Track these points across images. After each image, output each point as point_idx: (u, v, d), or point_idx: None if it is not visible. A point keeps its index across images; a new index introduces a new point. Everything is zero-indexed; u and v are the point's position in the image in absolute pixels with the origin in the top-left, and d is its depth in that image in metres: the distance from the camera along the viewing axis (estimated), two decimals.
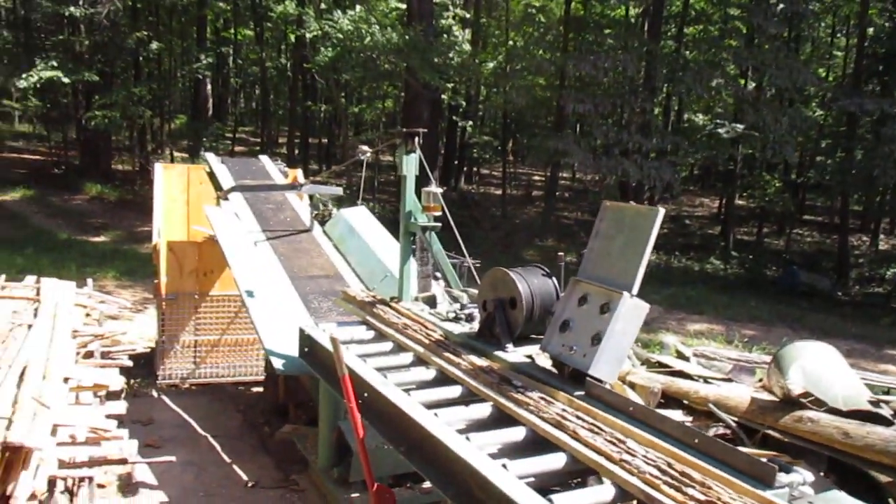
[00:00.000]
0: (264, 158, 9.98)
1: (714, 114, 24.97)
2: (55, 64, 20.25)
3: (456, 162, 28.48)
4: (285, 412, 6.54)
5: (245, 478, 5.85)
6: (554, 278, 4.40)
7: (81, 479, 4.04)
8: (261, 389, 7.97)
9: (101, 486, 5.04)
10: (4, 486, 3.19)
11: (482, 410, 3.74)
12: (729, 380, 5.54)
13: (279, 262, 7.13)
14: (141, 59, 25.65)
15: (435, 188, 5.49)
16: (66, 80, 20.48)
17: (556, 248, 16.65)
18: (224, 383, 8.24)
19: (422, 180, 5.77)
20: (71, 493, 3.93)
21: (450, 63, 19.50)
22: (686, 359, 6.26)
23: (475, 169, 32.59)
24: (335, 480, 5.14)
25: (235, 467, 6.03)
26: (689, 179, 31.11)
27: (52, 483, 3.57)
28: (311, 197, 8.51)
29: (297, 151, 27.70)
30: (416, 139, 5.47)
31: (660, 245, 19.29)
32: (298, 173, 9.96)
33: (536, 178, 32.38)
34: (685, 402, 5.12)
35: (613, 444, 3.06)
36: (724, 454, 2.94)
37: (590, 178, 27.62)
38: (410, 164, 5.51)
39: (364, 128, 33.42)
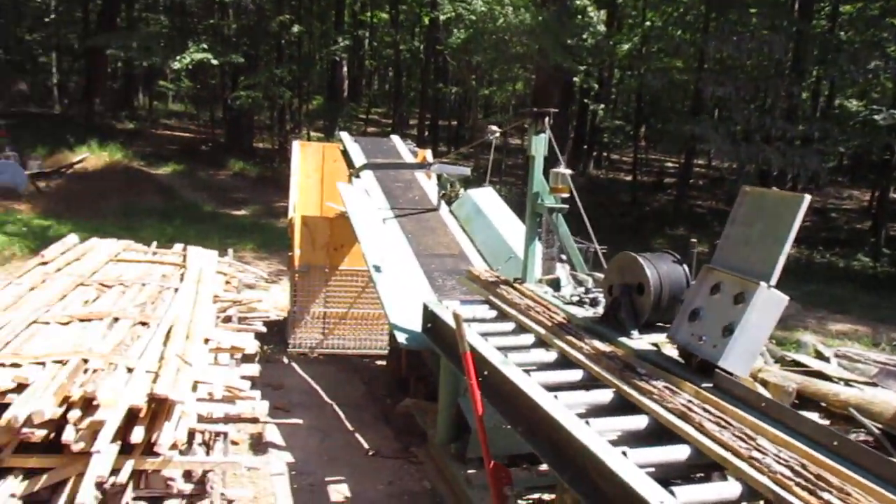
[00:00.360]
0: (395, 138, 10.20)
1: (870, 99, 23.09)
2: (205, 47, 21.47)
3: (585, 146, 27.94)
4: (406, 386, 6.69)
5: (366, 446, 6.05)
6: (685, 265, 4.23)
7: (217, 434, 4.32)
8: (384, 363, 8.20)
9: (234, 442, 5.35)
10: (150, 435, 3.46)
11: (603, 396, 3.67)
12: (874, 384, 5.16)
13: (406, 240, 7.28)
14: (283, 42, 26.73)
15: (563, 169, 5.40)
16: (214, 61, 21.70)
17: (688, 238, 16.02)
18: (349, 355, 8.52)
19: (550, 162, 5.70)
20: (207, 446, 4.21)
21: (583, 45, 19.09)
22: (826, 359, 5.89)
23: (605, 154, 31.86)
24: (452, 456, 5.21)
25: (357, 435, 6.25)
26: (837, 170, 28.98)
27: (190, 435, 3.83)
28: (438, 177, 8.61)
29: (426, 133, 28.11)
30: (547, 119, 5.40)
31: (801, 238, 18.09)
32: (427, 153, 10.10)
33: (669, 164, 31.25)
34: (823, 404, 4.81)
35: (742, 439, 2.92)
36: (869, 461, 2.74)
37: (727, 165, 26.28)
38: (539, 145, 5.45)
39: (493, 110, 33.43)
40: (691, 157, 24.24)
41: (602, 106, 26.69)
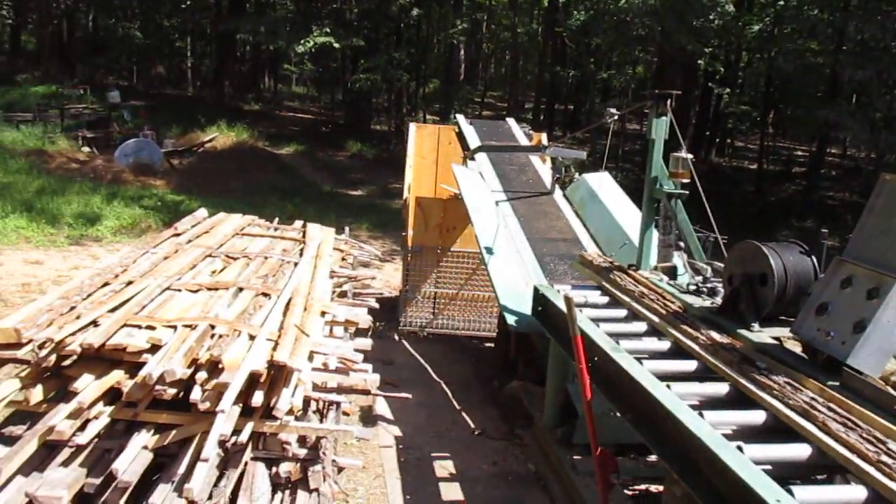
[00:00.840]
0: (511, 121, 10.16)
1: None
2: (328, 30, 22.07)
3: (708, 132, 26.82)
4: (514, 368, 6.69)
5: (472, 425, 6.12)
6: (813, 257, 3.99)
7: (330, 404, 4.48)
8: (492, 345, 8.23)
9: (345, 412, 5.51)
10: (269, 399, 3.63)
11: (719, 388, 3.54)
12: None
13: (518, 223, 7.26)
14: (402, 25, 27.10)
15: (685, 154, 5.22)
16: (336, 45, 22.28)
17: (816, 231, 15.11)
18: (458, 335, 8.61)
19: (671, 146, 5.52)
20: (321, 414, 4.38)
21: (709, 26, 18.27)
22: None
23: (728, 140, 30.48)
24: (558, 440, 5.19)
25: (464, 414, 6.33)
26: None
27: (305, 402, 3.98)
28: (553, 160, 8.52)
29: (542, 117, 27.81)
30: (669, 102, 5.22)
31: None
32: (543, 137, 10.01)
33: (798, 152, 29.53)
34: None
35: (871, 442, 2.74)
36: None
37: (864, 154, 24.59)
38: (660, 128, 5.28)
39: (612, 94, 32.62)
40: (824, 146, 22.78)
41: (727, 90, 25.43)
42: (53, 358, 3.56)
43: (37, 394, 3.58)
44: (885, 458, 2.64)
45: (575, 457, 4.92)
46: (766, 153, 26.25)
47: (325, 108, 31.51)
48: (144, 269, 4.98)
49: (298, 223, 7.95)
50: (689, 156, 5.26)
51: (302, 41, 21.58)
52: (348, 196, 18.85)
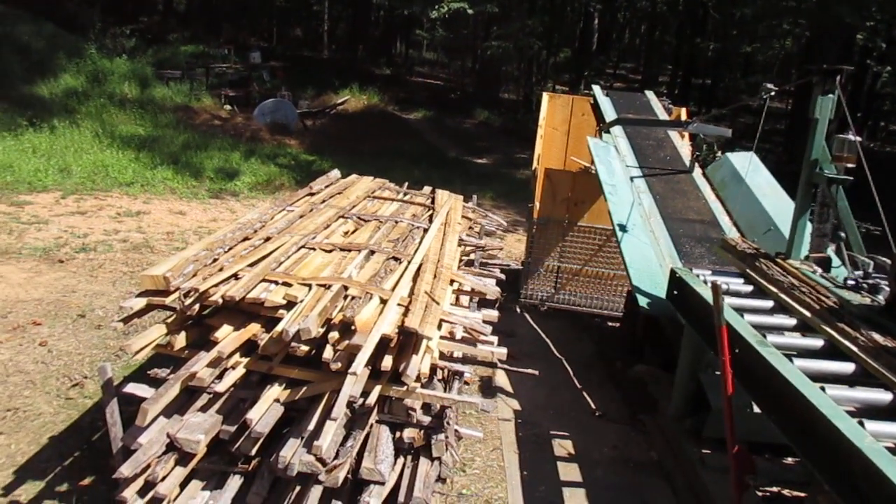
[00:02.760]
0: (649, 94, 9.72)
1: None
2: None
3: (860, 114, 24.84)
4: (640, 351, 6.46)
5: (593, 406, 5.96)
6: None
7: (454, 373, 4.46)
8: (616, 324, 8.00)
9: (466, 382, 5.51)
10: (397, 364, 3.63)
11: (880, 396, 3.23)
12: None
13: (654, 201, 6.94)
14: None
15: (852, 136, 4.77)
16: (470, 10, 22.09)
17: None
18: (579, 312, 8.42)
19: (832, 128, 5.07)
20: (445, 382, 4.36)
21: None
22: None
23: (882, 124, 28.15)
24: (686, 432, 4.95)
25: (585, 394, 6.18)
26: None
27: (431, 370, 3.97)
28: (693, 137, 8.09)
29: (677, 90, 26.66)
30: (839, 78, 4.77)
31: None
32: (682, 112, 9.53)
33: None
34: None
35: None
36: None
37: None
38: (825, 107, 4.84)
39: (754, 70, 30.78)
40: None
41: (888, 68, 23.39)
42: (197, 307, 3.70)
43: (180, 340, 3.74)
44: None
45: (704, 451, 4.68)
46: None
47: (454, 74, 31.48)
48: (282, 226, 5.10)
49: (427, 189, 7.97)
50: (857, 138, 4.80)
51: (436, 6, 21.54)
52: (473, 164, 18.81)
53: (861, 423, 2.88)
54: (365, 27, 32.19)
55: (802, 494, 4.05)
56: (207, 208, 11.73)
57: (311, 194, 6.56)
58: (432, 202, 7.00)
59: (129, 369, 5.76)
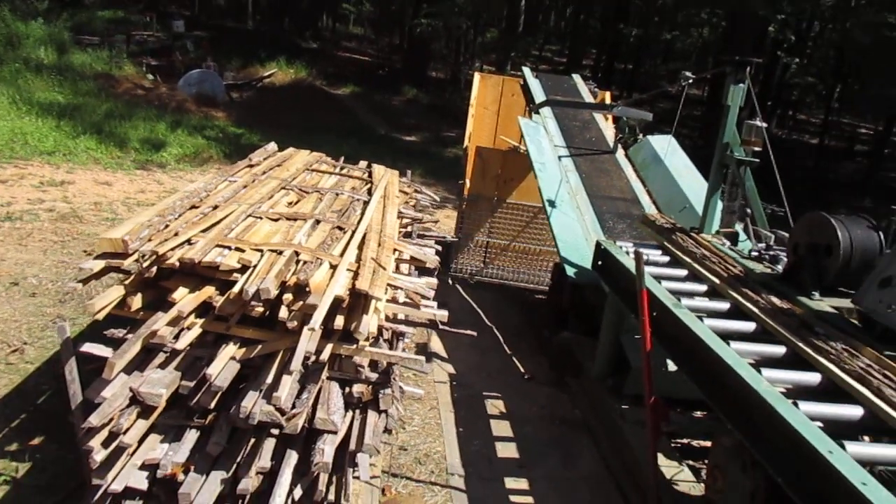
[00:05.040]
0: (577, 77, 10.15)
1: None
2: None
3: (770, 103, 26.18)
4: (565, 320, 6.88)
5: (522, 370, 6.36)
6: (880, 232, 4.08)
7: (397, 335, 4.74)
8: (542, 297, 8.43)
9: (404, 348, 5.79)
10: (347, 324, 3.88)
11: (776, 350, 3.70)
12: None
13: (580, 179, 7.37)
14: None
15: (759, 122, 5.26)
16: None
17: (875, 211, 14.84)
18: (507, 286, 8.82)
19: (743, 114, 5.56)
20: (389, 344, 4.63)
21: None
22: None
23: (790, 113, 29.75)
24: (607, 389, 5.40)
25: (514, 359, 6.58)
26: None
27: (378, 331, 4.23)
28: (617, 119, 8.55)
29: (600, 74, 27.42)
30: (749, 69, 5.25)
31: None
32: (607, 95, 10.00)
33: (863, 130, 28.74)
34: None
35: None
36: None
37: None
38: (737, 95, 5.32)
39: (674, 57, 31.92)
40: (893, 125, 22.14)
41: (796, 60, 24.71)
42: (154, 270, 3.85)
43: (136, 301, 3.88)
44: None
45: (623, 406, 5.13)
46: (829, 129, 25.59)
47: (382, 51, 31.43)
48: (227, 195, 5.24)
49: (363, 163, 8.16)
50: (763, 124, 5.30)
51: None
52: (402, 141, 18.99)
53: (759, 371, 3.32)
54: None
55: (709, 444, 4.52)
56: (134, 179, 11.56)
57: (251, 166, 6.66)
58: (369, 176, 7.20)
59: (76, 332, 5.81)
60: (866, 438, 3.08)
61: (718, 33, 25.72)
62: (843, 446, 2.73)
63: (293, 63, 23.65)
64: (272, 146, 7.67)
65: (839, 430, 3.03)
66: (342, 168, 7.57)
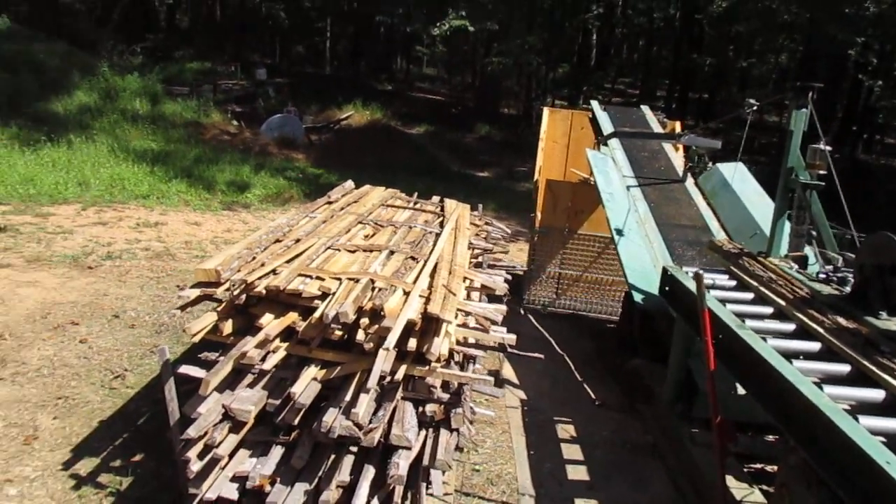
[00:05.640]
0: (645, 108, 10.25)
1: None
2: (463, 14, 22.56)
3: (855, 127, 25.42)
4: (635, 347, 6.94)
5: (593, 396, 6.45)
6: None
7: (468, 358, 4.95)
8: (613, 325, 8.48)
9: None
10: (420, 347, 4.12)
11: (840, 368, 3.72)
12: None
13: (648, 208, 7.45)
14: (536, 9, 27.21)
15: (823, 146, 5.29)
16: (470, 28, 22.73)
17: None
18: (579, 316, 8.91)
19: (810, 139, 5.59)
20: (460, 366, 4.84)
21: (863, 13, 17.38)
22: None
23: (877, 137, 28.73)
24: (677, 414, 5.44)
25: (586, 386, 6.67)
26: None
27: (449, 354, 4.45)
28: (686, 149, 8.61)
29: (674, 105, 27.28)
30: (811, 94, 5.30)
31: None
32: (676, 125, 10.06)
33: None
34: None
35: None
36: None
37: None
38: (799, 120, 5.37)
39: (750, 84, 31.41)
40: None
41: (879, 83, 23.97)
42: (243, 297, 4.20)
43: (227, 326, 4.23)
44: None
45: (693, 430, 5.17)
46: None
47: (454, 90, 32.15)
48: (308, 230, 5.61)
49: (435, 198, 8.47)
50: (828, 148, 5.32)
51: (437, 24, 22.16)
52: (475, 177, 19.35)
53: (820, 387, 3.37)
54: (366, 43, 32.89)
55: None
56: (221, 219, 12.22)
57: (330, 202, 7.06)
58: (441, 210, 7.49)
59: (172, 358, 6.25)
60: None
61: (796, 59, 25.25)
62: None
63: (369, 105, 24.46)
64: (349, 184, 8.07)
65: None
66: (416, 203, 7.90)
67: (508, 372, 6.63)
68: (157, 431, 5.10)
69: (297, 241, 5.24)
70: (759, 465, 5.06)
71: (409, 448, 3.91)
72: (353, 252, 5.23)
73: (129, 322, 7.16)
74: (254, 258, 4.69)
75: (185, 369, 4.11)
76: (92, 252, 9.32)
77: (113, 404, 5.56)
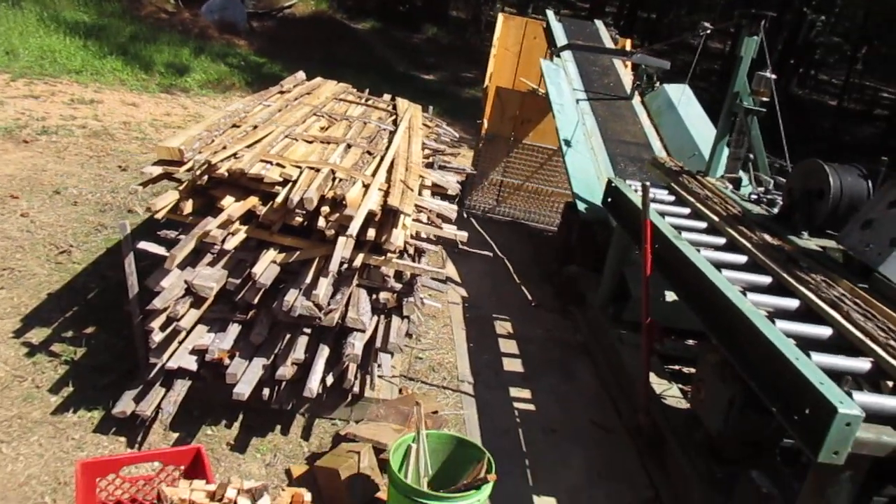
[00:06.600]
0: (598, 23, 10.32)
1: None
2: None
3: (792, 61, 25.99)
4: (572, 255, 7.28)
5: (529, 297, 6.81)
6: (870, 180, 4.43)
7: (419, 251, 5.16)
8: (550, 234, 8.82)
9: None
10: (378, 238, 4.29)
11: (763, 279, 4.10)
12: None
13: (596, 123, 7.67)
14: None
15: (768, 74, 5.55)
16: None
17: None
18: (520, 222, 9.20)
19: (757, 67, 5.83)
20: (412, 259, 5.05)
21: None
22: None
23: (812, 72, 29.49)
24: (608, 316, 5.83)
25: (523, 288, 7.02)
26: None
27: (403, 247, 4.64)
28: (635, 67, 8.79)
29: (622, 22, 27.22)
30: (763, 23, 5.51)
31: None
32: (628, 43, 10.19)
33: (885, 94, 28.55)
34: None
35: (884, 330, 3.30)
36: None
37: None
38: (750, 47, 5.60)
39: (699, 8, 31.52)
40: None
41: (822, 18, 24.39)
42: (205, 178, 4.24)
43: (188, 206, 4.29)
44: (893, 342, 3.20)
45: (622, 331, 5.57)
46: (850, 90, 25.47)
47: None
48: (264, 117, 5.60)
49: (387, 96, 8.46)
50: (773, 76, 5.58)
51: None
52: (421, 79, 19.10)
53: (744, 294, 3.73)
54: None
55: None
56: (159, 102, 11.86)
57: (282, 92, 7.00)
58: (394, 108, 7.52)
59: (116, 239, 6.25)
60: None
61: None
62: (808, 356, 3.15)
63: None
64: (301, 74, 7.97)
65: (810, 346, 3.44)
66: (367, 100, 7.89)
67: (451, 270, 6.90)
68: (109, 306, 5.18)
69: (255, 127, 5.25)
70: (678, 367, 5.53)
71: (363, 331, 4.14)
72: (311, 143, 5.28)
73: (70, 199, 7.05)
74: (213, 141, 4.70)
75: (145, 245, 4.18)
76: (26, 125, 8.99)
77: (60, 278, 5.57)
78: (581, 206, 6.26)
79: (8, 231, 6.16)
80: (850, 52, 25.84)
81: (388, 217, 4.35)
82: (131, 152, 8.92)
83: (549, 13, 10.15)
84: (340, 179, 4.45)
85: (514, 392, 5.19)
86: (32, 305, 5.14)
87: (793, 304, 3.80)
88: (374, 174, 4.75)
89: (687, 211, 5.27)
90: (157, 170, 4.23)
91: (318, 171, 4.49)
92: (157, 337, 3.84)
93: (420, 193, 5.50)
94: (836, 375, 3.12)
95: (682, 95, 7.83)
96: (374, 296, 4.43)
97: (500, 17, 10.77)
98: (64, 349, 4.69)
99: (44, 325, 4.93)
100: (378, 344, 4.27)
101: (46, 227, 6.36)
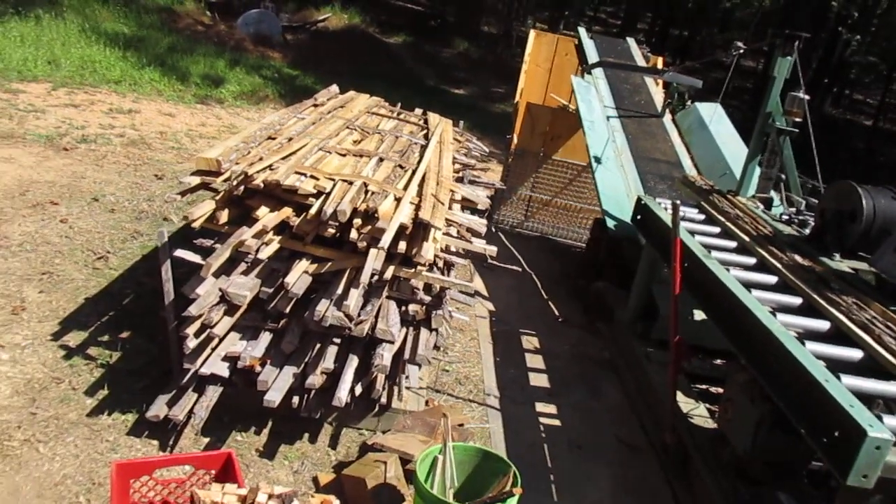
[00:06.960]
0: (630, 41, 10.35)
1: None
2: None
3: (826, 80, 25.74)
4: (600, 271, 7.29)
5: (557, 313, 6.82)
6: None
7: (448, 265, 5.21)
8: (578, 250, 8.83)
9: None
10: (408, 251, 4.35)
11: (793, 300, 4.08)
12: None
13: (626, 140, 7.69)
14: None
15: (802, 94, 5.53)
16: None
17: None
18: (546, 238, 9.23)
19: (790, 87, 5.82)
20: (442, 272, 5.11)
21: None
22: None
23: (846, 92, 29.16)
24: (636, 333, 5.83)
25: (550, 304, 7.03)
26: None
27: (434, 260, 4.70)
28: (667, 85, 8.79)
29: (654, 39, 27.21)
30: (797, 43, 5.50)
31: None
32: (660, 60, 10.20)
33: None
34: None
35: None
36: None
37: None
38: (783, 67, 5.59)
39: (731, 26, 31.40)
40: None
41: (857, 37, 24.14)
42: (241, 189, 4.34)
43: (224, 215, 4.39)
44: None
45: (649, 349, 5.56)
46: (886, 110, 25.13)
47: (435, 2, 31.41)
48: (299, 130, 5.71)
49: (418, 111, 8.56)
50: (806, 97, 5.57)
51: None
52: (451, 93, 19.23)
53: (774, 315, 3.73)
54: None
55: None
56: (195, 113, 12.09)
57: (316, 105, 7.12)
58: (425, 122, 7.61)
59: (153, 246, 6.39)
60: None
61: (779, 4, 25.26)
62: (839, 378, 3.14)
63: (347, 9, 23.85)
64: (334, 88, 8.10)
65: (840, 369, 3.43)
66: (399, 113, 7.99)
67: (478, 284, 6.94)
68: (144, 312, 5.30)
69: (290, 140, 5.35)
70: (705, 386, 5.50)
71: (392, 342, 4.20)
72: (344, 156, 5.37)
73: (108, 206, 7.22)
74: (249, 152, 4.81)
75: (181, 253, 4.28)
76: (66, 133, 9.22)
77: (97, 283, 5.71)
78: (610, 223, 6.28)
79: (48, 236, 6.32)
80: (887, 72, 25.50)
81: (418, 230, 4.42)
82: (167, 161, 9.10)
83: (581, 30, 10.21)
84: (373, 192, 4.53)
85: (540, 407, 5.21)
86: (70, 309, 5.27)
87: (823, 325, 3.78)
88: (405, 188, 4.82)
89: (717, 230, 5.26)
90: (196, 179, 4.33)
91: (350, 183, 4.57)
92: (192, 343, 3.93)
93: (450, 207, 5.57)
94: (867, 398, 3.11)
95: (713, 114, 7.82)
96: (403, 308, 4.49)
97: (532, 33, 10.83)
98: (100, 353, 4.81)
99: (81, 328, 5.05)
100: (406, 355, 4.33)
101: (84, 233, 6.52)
